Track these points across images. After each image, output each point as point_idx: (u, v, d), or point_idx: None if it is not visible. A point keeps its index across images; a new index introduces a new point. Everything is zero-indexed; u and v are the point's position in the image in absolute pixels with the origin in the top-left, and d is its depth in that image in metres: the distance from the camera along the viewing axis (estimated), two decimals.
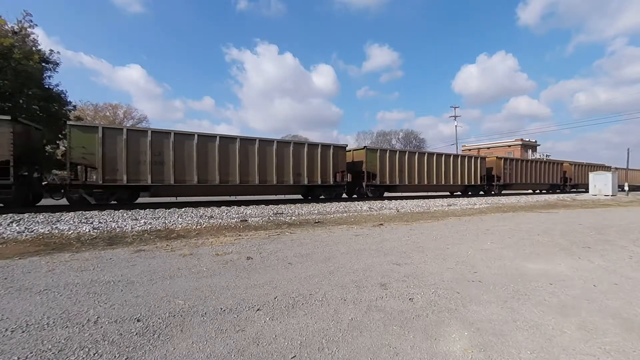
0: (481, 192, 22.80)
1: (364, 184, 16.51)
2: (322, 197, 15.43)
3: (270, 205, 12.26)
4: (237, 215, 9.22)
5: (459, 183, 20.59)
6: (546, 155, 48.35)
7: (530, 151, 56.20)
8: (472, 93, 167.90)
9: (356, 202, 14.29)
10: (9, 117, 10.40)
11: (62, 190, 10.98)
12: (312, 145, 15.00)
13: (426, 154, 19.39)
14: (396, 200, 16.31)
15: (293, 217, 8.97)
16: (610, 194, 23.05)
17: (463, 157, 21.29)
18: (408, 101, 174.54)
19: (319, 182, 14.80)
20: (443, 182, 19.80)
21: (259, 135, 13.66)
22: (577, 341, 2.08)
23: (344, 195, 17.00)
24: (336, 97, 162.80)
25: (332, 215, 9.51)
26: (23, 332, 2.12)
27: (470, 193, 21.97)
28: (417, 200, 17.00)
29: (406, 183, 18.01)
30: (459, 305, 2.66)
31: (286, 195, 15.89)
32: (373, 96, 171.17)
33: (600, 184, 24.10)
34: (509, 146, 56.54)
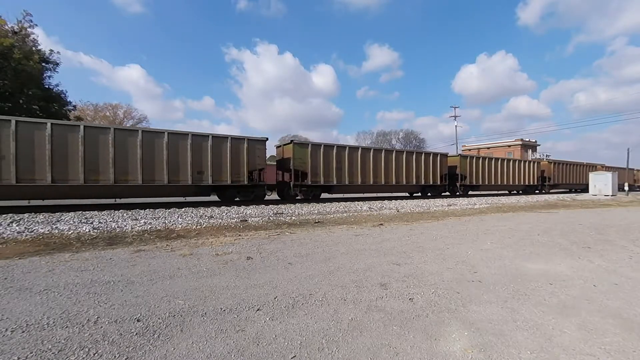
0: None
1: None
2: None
3: (270, 205, 12.27)
4: (237, 215, 9.22)
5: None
6: (546, 155, 48.28)
7: (530, 151, 56.17)
8: (472, 93, 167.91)
9: (355, 202, 14.29)
10: (266, 138, 13.87)
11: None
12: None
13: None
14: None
15: (293, 217, 8.97)
16: (610, 194, 23.06)
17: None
18: (408, 101, 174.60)
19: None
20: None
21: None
22: (577, 341, 2.08)
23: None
24: (336, 97, 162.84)
25: (332, 215, 9.51)
26: (23, 332, 2.12)
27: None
28: (416, 200, 17.00)
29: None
30: (459, 305, 2.66)
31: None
32: (373, 96, 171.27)
33: (600, 184, 24.12)
34: (509, 146, 56.50)
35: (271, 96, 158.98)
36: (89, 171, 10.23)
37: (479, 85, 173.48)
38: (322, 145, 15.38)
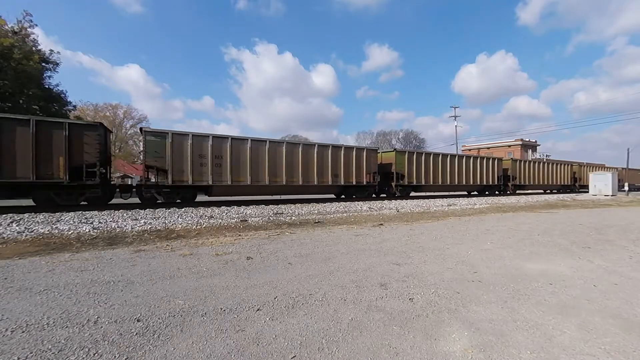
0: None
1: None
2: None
3: (270, 205, 12.26)
4: (237, 215, 9.22)
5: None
6: (546, 156, 48.32)
7: (530, 151, 56.22)
8: (472, 93, 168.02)
9: (356, 202, 14.28)
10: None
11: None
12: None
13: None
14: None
15: (293, 217, 8.97)
16: (610, 194, 23.06)
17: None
18: (408, 101, 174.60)
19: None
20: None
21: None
22: (577, 341, 2.08)
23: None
24: (336, 97, 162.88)
25: (332, 215, 9.51)
26: (23, 332, 2.12)
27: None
28: (417, 200, 17.00)
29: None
30: (459, 305, 2.66)
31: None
32: (373, 96, 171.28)
33: (600, 184, 24.12)
34: (509, 146, 56.54)
35: (271, 96, 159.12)
36: (272, 174, 13.45)
37: (479, 85, 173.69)
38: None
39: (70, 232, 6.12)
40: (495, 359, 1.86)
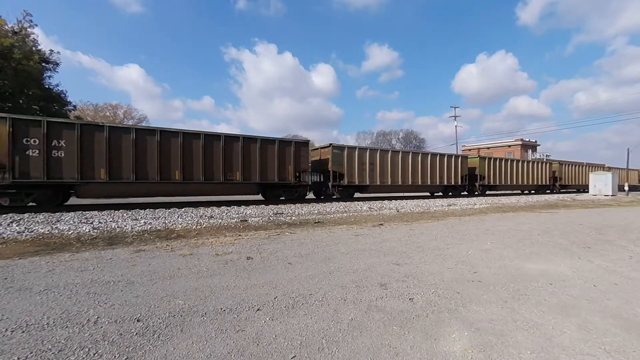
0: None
1: None
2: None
3: (270, 205, 12.26)
4: (237, 215, 9.22)
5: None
6: (546, 156, 48.30)
7: (530, 151, 56.21)
8: (472, 93, 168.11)
9: (356, 202, 14.27)
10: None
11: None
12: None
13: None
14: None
15: (293, 217, 8.97)
16: (610, 194, 23.06)
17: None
18: (408, 101, 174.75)
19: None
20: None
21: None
22: (577, 341, 2.08)
23: None
24: (336, 97, 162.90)
25: (332, 215, 9.51)
26: (23, 332, 2.12)
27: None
28: (416, 200, 17.00)
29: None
30: (459, 305, 2.66)
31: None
32: (373, 96, 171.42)
33: (600, 184, 24.12)
34: (509, 146, 56.54)
35: (271, 96, 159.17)
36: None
37: (479, 85, 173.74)
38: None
39: (70, 232, 6.12)
40: (495, 359, 1.86)
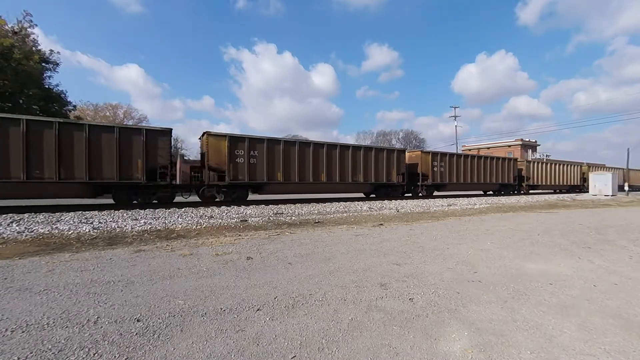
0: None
1: None
2: None
3: (270, 205, 12.26)
4: (237, 215, 9.22)
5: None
6: (546, 155, 48.27)
7: (530, 151, 56.21)
8: (472, 93, 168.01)
9: (355, 202, 14.26)
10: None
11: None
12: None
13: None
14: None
15: (293, 217, 8.97)
16: (610, 194, 23.07)
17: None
18: (408, 101, 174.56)
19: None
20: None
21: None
22: (577, 341, 2.08)
23: None
24: (336, 97, 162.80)
25: (332, 215, 9.51)
26: (23, 332, 2.12)
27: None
28: (416, 200, 17.00)
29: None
30: (459, 305, 2.66)
31: None
32: (373, 96, 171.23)
33: (600, 184, 24.13)
34: (509, 146, 56.55)
35: (270, 96, 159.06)
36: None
37: (479, 85, 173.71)
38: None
39: (70, 232, 6.12)
40: (495, 359, 1.86)
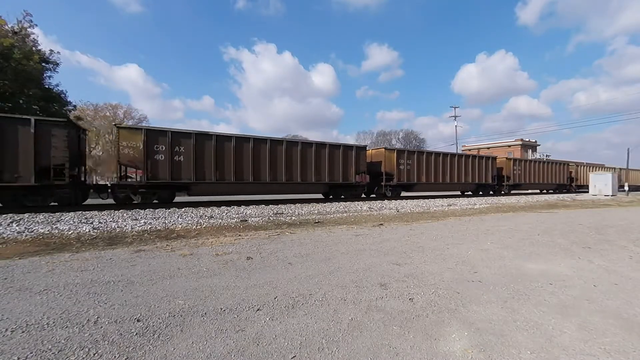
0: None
1: None
2: None
3: (270, 205, 12.25)
4: (237, 215, 9.22)
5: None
6: (546, 155, 48.28)
7: (530, 151, 56.23)
8: (472, 92, 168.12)
9: (356, 202, 14.24)
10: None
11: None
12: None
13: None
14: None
15: (293, 217, 8.97)
16: (610, 194, 23.07)
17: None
18: (408, 101, 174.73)
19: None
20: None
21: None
22: (577, 341, 2.08)
23: None
24: (336, 97, 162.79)
25: (332, 215, 9.51)
26: (23, 332, 2.12)
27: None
28: (415, 200, 17.00)
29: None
30: (459, 305, 2.66)
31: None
32: (373, 96, 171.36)
33: (600, 184, 24.13)
34: (509, 146, 56.57)
35: (270, 96, 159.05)
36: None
37: (478, 85, 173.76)
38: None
39: (70, 232, 6.12)
40: (495, 359, 1.86)
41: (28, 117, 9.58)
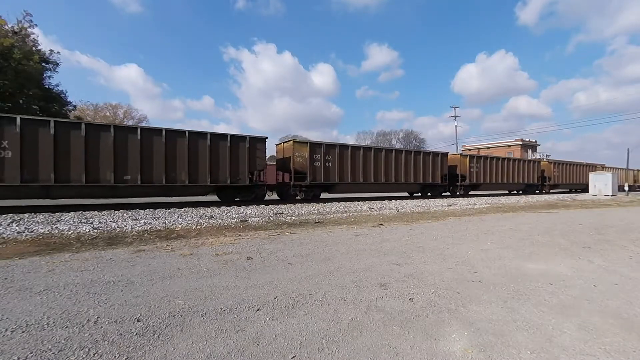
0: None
1: None
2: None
3: (270, 205, 12.26)
4: (237, 215, 9.22)
5: None
6: (546, 155, 48.21)
7: (530, 151, 56.21)
8: (472, 92, 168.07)
9: (356, 202, 14.24)
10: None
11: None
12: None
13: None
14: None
15: (293, 217, 8.97)
16: (610, 194, 23.07)
17: None
18: (408, 101, 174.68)
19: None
20: None
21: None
22: (577, 341, 2.08)
23: None
24: (336, 97, 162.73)
25: (332, 215, 9.51)
26: (23, 332, 2.12)
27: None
28: (416, 200, 16.99)
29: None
30: (459, 305, 2.66)
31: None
32: (373, 96, 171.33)
33: (600, 184, 24.13)
34: (509, 146, 56.55)
35: (270, 96, 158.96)
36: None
37: (478, 85, 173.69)
38: None
39: (70, 232, 6.12)
40: (495, 359, 1.86)
41: (244, 134, 12.89)
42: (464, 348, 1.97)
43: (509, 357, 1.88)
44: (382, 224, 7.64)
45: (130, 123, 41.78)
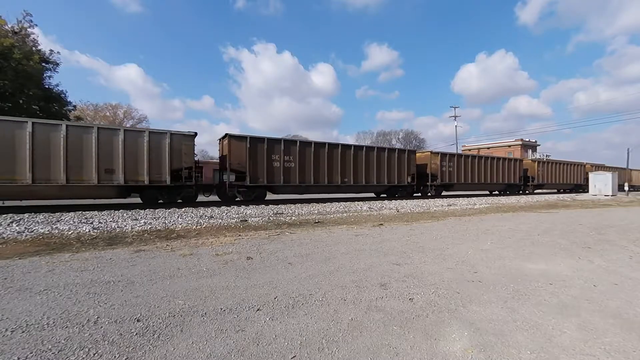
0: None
1: None
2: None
3: (270, 205, 12.26)
4: (237, 215, 9.22)
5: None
6: (546, 155, 48.19)
7: (530, 151, 56.21)
8: (472, 92, 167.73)
9: (356, 202, 14.24)
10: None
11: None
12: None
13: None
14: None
15: (293, 217, 8.97)
16: (610, 194, 23.08)
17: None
18: (408, 101, 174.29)
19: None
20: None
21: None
22: (577, 341, 2.08)
23: None
24: (336, 97, 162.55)
25: (332, 215, 9.51)
26: (23, 332, 2.12)
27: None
28: (416, 200, 16.99)
29: None
30: (459, 305, 2.66)
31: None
32: (373, 96, 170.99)
33: (600, 184, 24.15)
34: (509, 146, 56.56)
35: (270, 96, 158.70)
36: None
37: (478, 85, 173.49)
38: None
39: (70, 232, 6.12)
40: (495, 359, 1.86)
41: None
42: (464, 348, 1.97)
43: (509, 357, 1.88)
44: (382, 224, 7.64)
45: (130, 123, 41.82)
